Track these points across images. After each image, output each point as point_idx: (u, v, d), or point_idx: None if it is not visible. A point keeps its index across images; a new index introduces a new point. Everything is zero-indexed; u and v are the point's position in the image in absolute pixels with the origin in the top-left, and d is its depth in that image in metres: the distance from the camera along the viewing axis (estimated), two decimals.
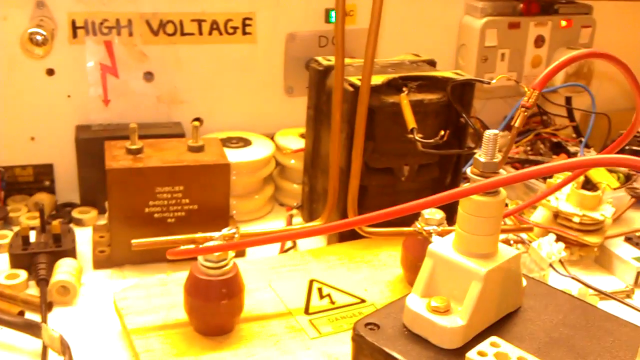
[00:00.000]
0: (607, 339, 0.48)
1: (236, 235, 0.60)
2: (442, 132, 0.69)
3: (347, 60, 0.74)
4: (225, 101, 0.94)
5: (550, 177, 0.84)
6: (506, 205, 0.84)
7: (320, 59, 0.79)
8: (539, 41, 1.05)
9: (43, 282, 0.68)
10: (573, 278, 0.76)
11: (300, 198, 0.88)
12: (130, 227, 0.73)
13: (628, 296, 0.75)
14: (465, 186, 0.45)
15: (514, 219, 0.81)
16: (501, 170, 0.47)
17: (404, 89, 0.74)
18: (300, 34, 0.95)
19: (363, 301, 0.66)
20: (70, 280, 0.68)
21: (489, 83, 0.71)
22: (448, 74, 0.78)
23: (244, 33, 0.92)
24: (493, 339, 0.45)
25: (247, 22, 0.91)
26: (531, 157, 0.99)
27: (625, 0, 1.15)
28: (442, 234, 0.64)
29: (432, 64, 0.83)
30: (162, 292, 0.64)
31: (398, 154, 0.76)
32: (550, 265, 0.75)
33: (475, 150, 0.78)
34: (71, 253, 0.73)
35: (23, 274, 0.70)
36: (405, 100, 0.72)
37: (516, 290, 0.50)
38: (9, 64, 0.83)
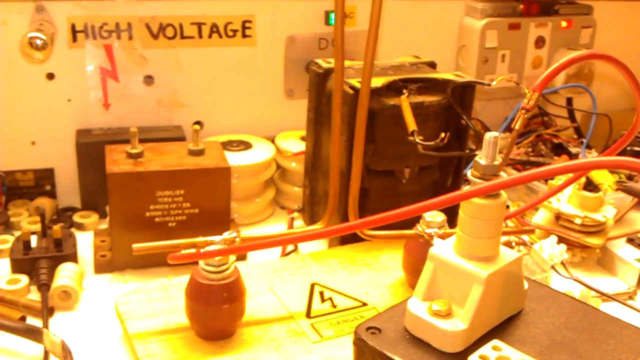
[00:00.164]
0: (610, 341, 0.47)
1: (237, 240, 0.60)
2: (443, 134, 0.69)
3: (347, 63, 0.74)
4: (226, 104, 0.94)
5: (552, 178, 0.84)
6: (507, 207, 0.84)
7: (320, 61, 0.79)
8: (540, 42, 1.05)
9: (44, 287, 0.68)
10: (575, 280, 0.76)
11: (301, 201, 0.88)
12: (131, 231, 0.73)
13: (630, 298, 0.75)
14: (465, 189, 0.45)
15: (516, 221, 0.81)
16: (502, 173, 0.47)
17: (404, 91, 0.74)
18: (300, 37, 0.95)
19: (365, 304, 0.65)
20: (71, 285, 0.68)
21: (489, 85, 0.71)
22: (448, 75, 0.78)
23: (244, 36, 0.92)
24: (495, 342, 0.45)
25: (247, 24, 0.91)
26: (532, 159, 0.99)
27: (625, 0, 1.15)
28: (443, 237, 0.64)
29: (432, 65, 0.83)
30: (164, 296, 0.64)
31: (399, 156, 0.76)
32: (552, 267, 0.75)
33: (476, 152, 0.78)
34: (72, 257, 0.73)
35: (24, 279, 0.70)
36: (405, 102, 0.72)
37: (518, 293, 0.50)
38: (9, 69, 0.83)
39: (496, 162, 0.46)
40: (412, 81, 0.76)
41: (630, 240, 0.82)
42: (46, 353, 0.59)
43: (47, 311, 0.65)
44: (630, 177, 0.92)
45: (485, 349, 0.44)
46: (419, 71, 0.80)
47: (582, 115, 1.11)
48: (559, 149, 1.03)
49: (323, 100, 0.78)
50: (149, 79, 0.89)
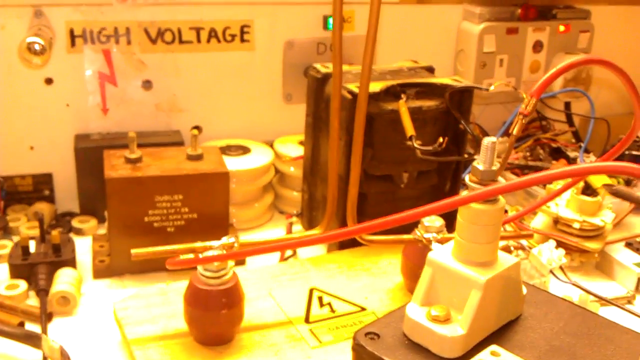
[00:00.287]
0: (608, 346, 0.47)
1: (235, 245, 0.60)
2: (441, 139, 0.69)
3: (345, 67, 0.74)
4: (224, 109, 0.94)
5: (550, 183, 0.84)
6: (506, 211, 0.84)
7: (318, 66, 0.79)
8: (538, 46, 1.05)
9: (43, 293, 0.68)
10: (574, 284, 0.76)
11: (299, 206, 0.88)
12: (130, 237, 0.73)
13: (629, 302, 0.75)
14: (463, 194, 0.45)
15: (514, 226, 0.81)
16: (500, 178, 0.47)
17: (403, 95, 0.74)
18: (299, 41, 0.95)
19: (363, 309, 0.65)
20: (70, 291, 0.68)
21: (487, 90, 0.71)
22: (446, 80, 0.78)
23: (242, 40, 0.92)
24: (493, 347, 0.45)
25: (245, 29, 0.92)
26: (531, 163, 0.99)
27: (623, 5, 1.15)
28: (441, 242, 0.64)
29: (430, 70, 0.83)
30: (162, 301, 0.64)
31: (397, 161, 0.76)
32: (551, 271, 0.74)
33: (474, 157, 0.78)
34: (71, 263, 0.73)
35: (23, 285, 0.70)
36: (403, 107, 0.72)
37: (516, 298, 0.50)
38: (8, 73, 0.83)
39: (494, 168, 0.46)
40: (410, 86, 0.76)
41: (629, 245, 0.82)
42: (45, 359, 0.59)
43: (45, 317, 0.65)
44: (628, 182, 0.92)
45: (484, 354, 0.44)
46: (417, 76, 0.80)
47: (580, 119, 1.11)
48: (557, 153, 1.03)
49: (321, 105, 0.78)
50: (147, 84, 0.89)
